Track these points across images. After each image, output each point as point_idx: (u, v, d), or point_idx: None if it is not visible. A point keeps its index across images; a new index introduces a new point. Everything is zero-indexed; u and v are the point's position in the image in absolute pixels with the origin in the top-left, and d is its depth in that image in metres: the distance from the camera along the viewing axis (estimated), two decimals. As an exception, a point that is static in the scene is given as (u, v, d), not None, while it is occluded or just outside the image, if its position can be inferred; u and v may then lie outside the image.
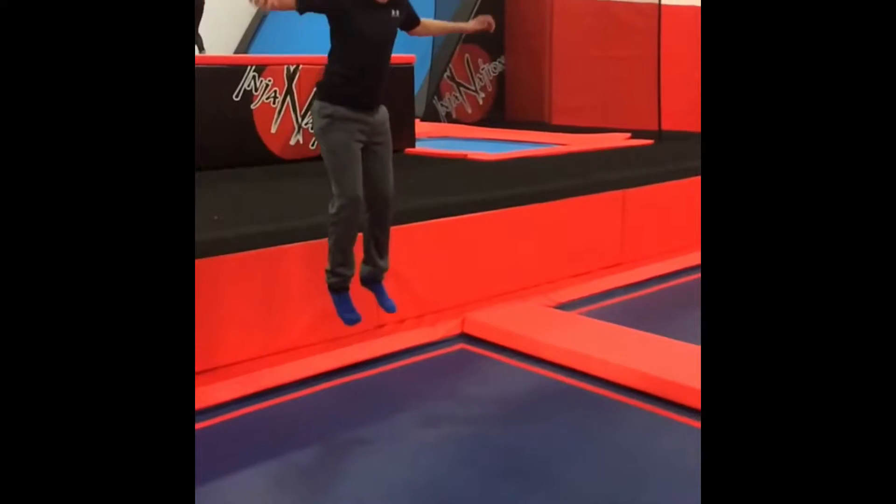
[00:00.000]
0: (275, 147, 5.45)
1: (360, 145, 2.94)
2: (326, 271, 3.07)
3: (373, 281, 3.21)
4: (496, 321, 3.84)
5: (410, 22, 3.14)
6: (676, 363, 3.30)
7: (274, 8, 2.75)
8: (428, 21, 3.31)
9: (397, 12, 2.97)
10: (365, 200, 3.01)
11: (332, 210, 2.95)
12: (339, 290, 3.08)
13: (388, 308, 3.25)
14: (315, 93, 2.94)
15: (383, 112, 3.05)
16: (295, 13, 2.89)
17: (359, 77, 2.88)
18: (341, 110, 2.87)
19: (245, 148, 5.27)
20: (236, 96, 5.24)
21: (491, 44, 9.01)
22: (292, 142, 5.53)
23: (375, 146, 2.99)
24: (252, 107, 5.32)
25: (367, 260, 3.19)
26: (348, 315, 3.10)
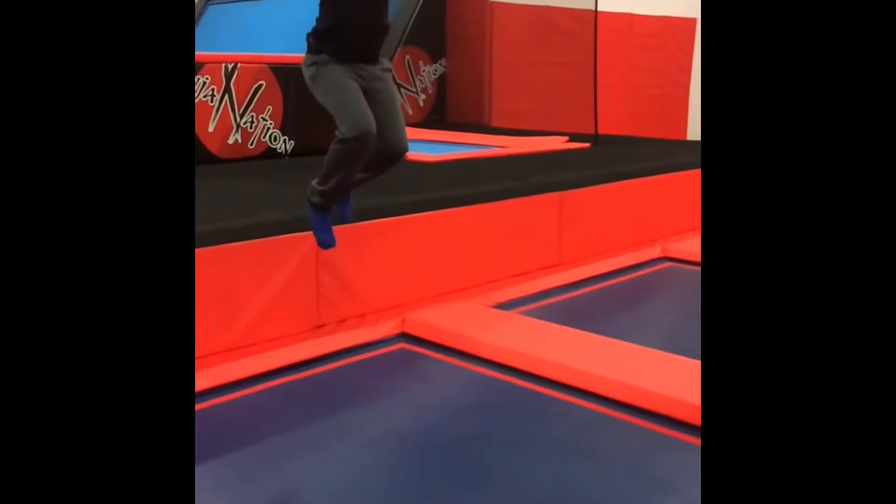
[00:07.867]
0: (213, 146, 5.38)
1: (357, 85, 2.69)
2: (313, 187, 2.79)
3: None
4: (436, 320, 3.86)
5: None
6: (613, 361, 3.37)
7: None
8: None
9: None
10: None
11: (337, 136, 2.70)
12: (321, 209, 2.82)
13: (344, 217, 2.96)
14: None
15: (380, 62, 2.80)
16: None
17: (344, 28, 2.66)
18: (325, 57, 2.68)
19: (182, 146, 5.18)
20: (173, 94, 5.16)
21: (432, 46, 9.06)
22: (230, 141, 5.47)
23: (374, 91, 2.74)
24: (189, 105, 5.24)
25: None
26: (326, 237, 2.84)
